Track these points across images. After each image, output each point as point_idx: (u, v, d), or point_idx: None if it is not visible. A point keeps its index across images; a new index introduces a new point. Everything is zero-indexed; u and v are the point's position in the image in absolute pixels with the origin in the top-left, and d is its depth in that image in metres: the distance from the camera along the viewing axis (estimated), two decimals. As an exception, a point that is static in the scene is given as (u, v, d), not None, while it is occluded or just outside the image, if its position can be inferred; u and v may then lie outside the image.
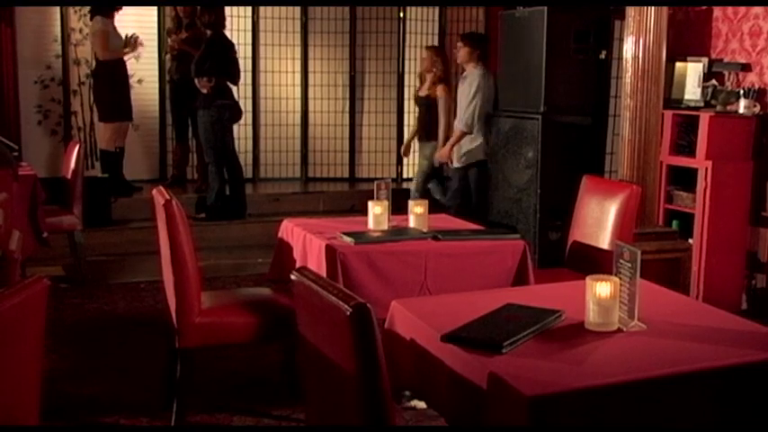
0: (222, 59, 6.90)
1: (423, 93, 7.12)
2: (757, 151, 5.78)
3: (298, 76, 8.44)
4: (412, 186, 7.27)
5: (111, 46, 7.13)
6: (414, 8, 8.38)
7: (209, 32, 6.93)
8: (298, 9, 8.35)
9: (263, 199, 7.79)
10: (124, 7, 7.38)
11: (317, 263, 3.82)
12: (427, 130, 7.06)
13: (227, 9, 7.55)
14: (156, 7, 7.91)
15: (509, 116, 6.40)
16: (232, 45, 7.12)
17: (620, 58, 5.80)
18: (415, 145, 7.48)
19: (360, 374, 2.15)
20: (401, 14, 8.34)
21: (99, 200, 6.84)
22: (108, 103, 7.25)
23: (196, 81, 6.86)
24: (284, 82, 8.42)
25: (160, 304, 4.96)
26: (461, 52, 6.59)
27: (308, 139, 8.53)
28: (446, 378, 2.40)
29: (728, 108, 5.83)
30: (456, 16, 8.43)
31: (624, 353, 2.39)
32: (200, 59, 6.85)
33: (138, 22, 7.67)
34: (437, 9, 8.41)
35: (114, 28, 7.25)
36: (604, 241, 4.25)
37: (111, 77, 7.18)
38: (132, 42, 7.34)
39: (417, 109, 7.33)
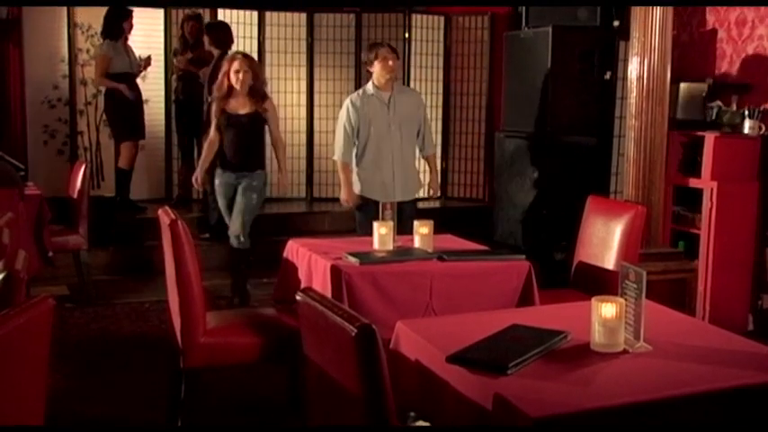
0: None
1: (244, 110, 5.66)
2: (763, 172, 5.77)
3: (303, 96, 8.47)
4: (237, 230, 5.76)
5: (113, 69, 7.16)
6: (419, 29, 8.41)
7: (218, 51, 6.95)
8: (304, 29, 8.38)
9: (268, 219, 7.79)
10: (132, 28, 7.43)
11: (322, 283, 3.82)
12: (259, 155, 5.82)
13: (233, 30, 7.58)
14: (162, 28, 7.95)
15: (514, 136, 6.42)
16: None
17: (624, 78, 5.83)
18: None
19: (365, 395, 2.15)
20: (406, 35, 8.38)
21: (105, 220, 6.86)
22: (121, 123, 7.28)
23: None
24: (290, 102, 8.44)
25: (165, 324, 4.96)
26: (395, 65, 5.46)
27: (314, 160, 8.55)
28: (451, 399, 2.40)
29: (733, 128, 5.83)
30: (460, 37, 8.46)
31: (630, 374, 2.38)
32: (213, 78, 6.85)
33: (145, 43, 7.71)
34: (442, 30, 8.45)
35: (125, 50, 7.29)
36: (610, 262, 4.24)
37: (121, 98, 7.20)
38: (146, 63, 7.44)
39: (228, 131, 5.71)
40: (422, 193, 5.94)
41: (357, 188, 5.48)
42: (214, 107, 5.76)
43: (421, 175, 6.01)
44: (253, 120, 5.68)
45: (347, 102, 5.52)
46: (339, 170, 5.59)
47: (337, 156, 5.55)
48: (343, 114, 5.51)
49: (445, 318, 3.37)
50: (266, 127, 5.82)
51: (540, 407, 2.10)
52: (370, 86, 5.50)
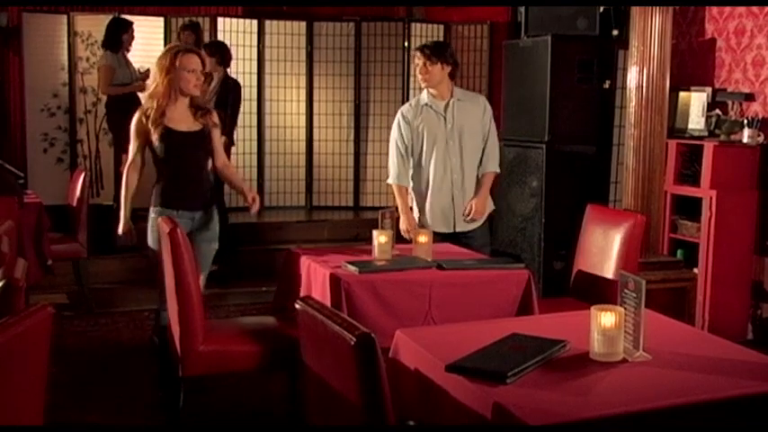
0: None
1: (193, 126, 4.26)
2: (762, 181, 5.78)
3: (303, 105, 8.48)
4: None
5: (116, 81, 7.17)
6: (418, 38, 8.43)
7: (222, 71, 6.94)
8: (303, 38, 8.41)
9: (267, 227, 7.80)
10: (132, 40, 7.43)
11: (321, 292, 3.82)
12: (213, 186, 4.62)
13: (233, 38, 7.60)
14: (162, 41, 7.96)
15: (513, 145, 6.41)
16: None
17: (623, 87, 5.83)
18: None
19: (364, 404, 2.15)
20: (406, 44, 8.39)
21: (104, 228, 6.85)
22: (126, 131, 7.28)
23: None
24: (289, 111, 8.46)
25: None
26: (434, 71, 4.67)
27: (313, 168, 8.56)
28: (451, 408, 2.39)
29: (732, 137, 5.84)
30: (460, 46, 8.48)
31: (629, 383, 2.38)
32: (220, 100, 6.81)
33: (144, 54, 7.71)
34: (441, 39, 8.47)
35: (126, 62, 7.30)
36: (609, 271, 4.24)
37: (123, 108, 7.20)
38: (146, 75, 7.45)
39: (172, 156, 4.27)
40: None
41: (414, 215, 4.85)
42: (149, 119, 4.25)
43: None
44: (203, 139, 4.29)
45: (398, 115, 4.83)
46: (396, 195, 4.86)
47: (392, 179, 4.84)
48: (394, 130, 4.81)
49: (444, 326, 3.37)
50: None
51: (540, 416, 2.10)
52: (424, 95, 4.80)
